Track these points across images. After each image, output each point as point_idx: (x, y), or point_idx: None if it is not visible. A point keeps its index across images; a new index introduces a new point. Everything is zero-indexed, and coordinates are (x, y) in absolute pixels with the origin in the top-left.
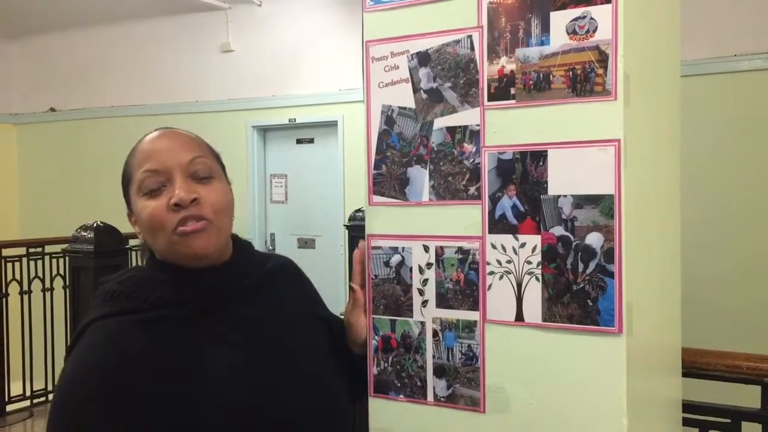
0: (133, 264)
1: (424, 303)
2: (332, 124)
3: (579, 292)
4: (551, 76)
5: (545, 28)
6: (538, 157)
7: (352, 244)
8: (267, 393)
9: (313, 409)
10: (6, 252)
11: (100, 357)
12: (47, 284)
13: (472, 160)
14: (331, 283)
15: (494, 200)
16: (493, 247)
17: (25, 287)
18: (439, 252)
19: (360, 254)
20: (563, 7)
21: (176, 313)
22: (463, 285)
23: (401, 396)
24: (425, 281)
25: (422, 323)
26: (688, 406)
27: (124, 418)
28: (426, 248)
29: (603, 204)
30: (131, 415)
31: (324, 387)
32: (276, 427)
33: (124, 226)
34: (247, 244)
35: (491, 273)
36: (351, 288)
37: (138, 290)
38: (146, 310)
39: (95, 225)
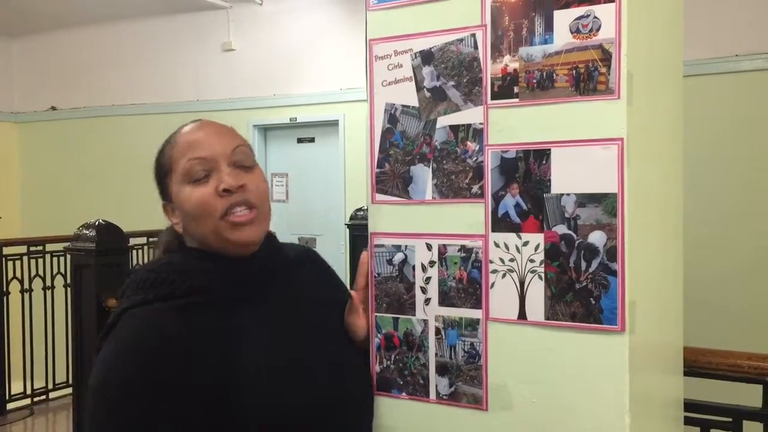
0: (135, 263)
1: (427, 301)
2: (333, 124)
3: (582, 290)
4: (554, 75)
5: (549, 26)
6: (541, 155)
7: (354, 243)
8: (303, 377)
9: (345, 388)
10: (7, 250)
11: (141, 341)
12: (48, 282)
13: (475, 158)
14: None
15: (497, 199)
16: (496, 245)
17: (26, 285)
18: (442, 250)
19: (366, 255)
20: (567, 5)
21: (211, 300)
22: (466, 283)
23: (404, 394)
24: (428, 279)
25: (425, 321)
26: (689, 405)
27: (167, 402)
28: (429, 246)
29: (606, 202)
30: (173, 399)
31: (351, 368)
32: (313, 410)
33: (126, 225)
34: (272, 233)
35: (494, 271)
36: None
37: (171, 277)
38: (181, 296)
39: (97, 223)
